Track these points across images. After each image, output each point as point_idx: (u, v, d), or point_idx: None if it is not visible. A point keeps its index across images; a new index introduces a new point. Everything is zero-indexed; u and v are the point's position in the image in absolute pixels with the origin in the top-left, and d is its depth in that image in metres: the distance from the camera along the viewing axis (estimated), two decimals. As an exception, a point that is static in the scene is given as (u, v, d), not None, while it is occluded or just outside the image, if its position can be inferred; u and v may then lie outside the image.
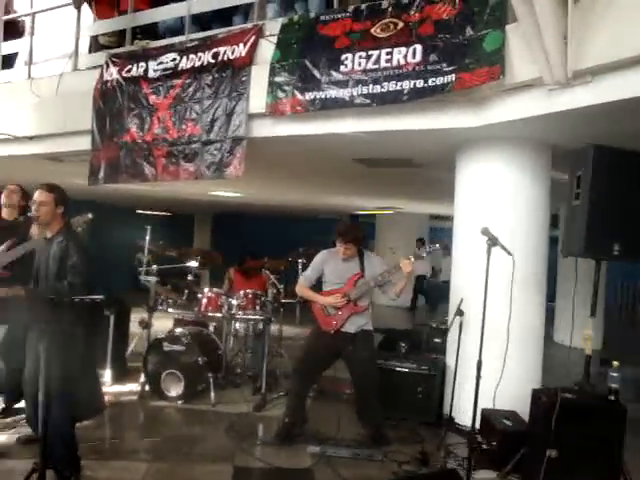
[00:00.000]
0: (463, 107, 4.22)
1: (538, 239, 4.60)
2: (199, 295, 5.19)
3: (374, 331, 4.26)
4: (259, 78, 4.88)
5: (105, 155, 5.68)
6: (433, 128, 4.32)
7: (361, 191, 8.86)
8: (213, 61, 5.15)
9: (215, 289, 5.19)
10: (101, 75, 5.82)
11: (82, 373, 3.35)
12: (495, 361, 4.56)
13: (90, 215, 4.12)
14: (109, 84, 5.72)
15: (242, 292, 5.14)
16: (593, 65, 3.35)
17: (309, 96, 4.62)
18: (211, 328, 5.36)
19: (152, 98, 5.41)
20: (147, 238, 5.65)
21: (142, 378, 4.92)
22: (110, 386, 5.10)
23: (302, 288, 4.11)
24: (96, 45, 6.39)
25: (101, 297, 2.89)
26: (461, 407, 4.47)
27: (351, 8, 4.72)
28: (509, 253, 3.58)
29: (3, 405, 4.36)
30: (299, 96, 4.66)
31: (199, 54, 5.24)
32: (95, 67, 6.13)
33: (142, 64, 5.57)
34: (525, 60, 3.73)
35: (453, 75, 4.05)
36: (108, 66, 5.81)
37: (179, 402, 4.75)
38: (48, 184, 3.45)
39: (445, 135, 4.53)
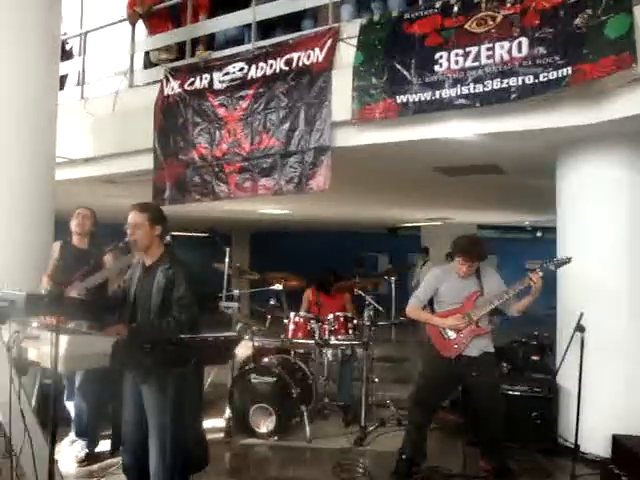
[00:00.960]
0: (577, 103, 3.88)
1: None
2: (285, 320, 4.85)
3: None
4: (340, 83, 4.60)
5: (170, 174, 5.43)
6: (545, 128, 3.99)
7: (423, 202, 8.51)
8: (287, 68, 4.88)
9: (302, 313, 4.84)
10: (161, 90, 5.59)
11: (193, 419, 3.05)
12: (619, 381, 4.22)
13: (169, 238, 3.83)
14: (171, 99, 5.49)
15: (332, 315, 4.80)
16: None
17: (401, 99, 4.33)
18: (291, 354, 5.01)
19: (220, 111, 5.16)
20: (226, 260, 5.35)
21: (227, 413, 4.59)
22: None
23: (415, 310, 3.78)
24: (149, 64, 6.19)
25: (233, 335, 2.55)
26: (584, 432, 4.07)
27: (438, 4, 4.43)
28: None
29: (86, 450, 4.05)
30: (390, 100, 4.38)
31: (270, 62, 4.99)
32: (151, 83, 5.91)
33: (206, 76, 5.34)
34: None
35: (569, 68, 3.74)
36: (168, 80, 5.58)
37: (271, 439, 4.40)
38: (140, 203, 3.19)
39: (550, 136, 4.20)
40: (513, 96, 3.93)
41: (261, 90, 4.98)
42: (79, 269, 3.75)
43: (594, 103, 3.83)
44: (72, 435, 4.18)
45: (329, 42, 4.76)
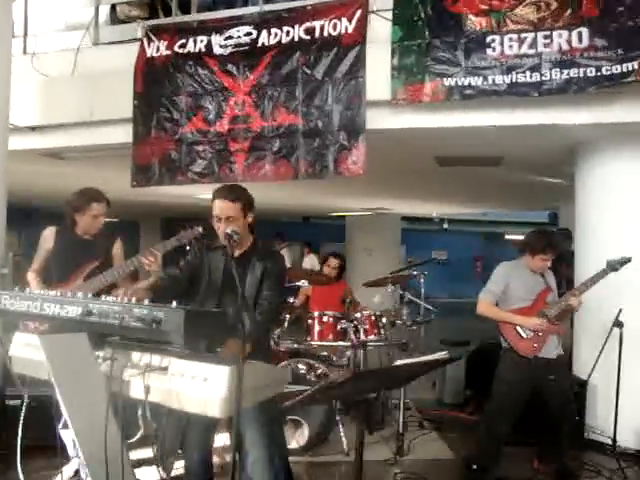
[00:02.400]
0: (633, 99, 3.88)
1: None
2: (309, 321, 4.36)
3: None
4: (373, 59, 4.22)
5: (156, 150, 4.71)
6: (601, 122, 3.95)
7: (368, 192, 8.27)
8: (308, 37, 4.40)
9: (331, 312, 4.37)
10: (142, 51, 4.81)
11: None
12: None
13: (201, 229, 3.25)
14: (157, 62, 4.74)
15: (360, 314, 4.38)
16: None
17: (449, 82, 4.08)
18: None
19: (225, 80, 4.55)
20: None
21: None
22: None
23: (489, 306, 3.55)
24: (117, 21, 5.32)
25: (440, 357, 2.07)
26: (618, 427, 4.13)
27: (483, -17, 4.20)
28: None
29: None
30: (437, 82, 4.09)
31: (285, 28, 4.47)
32: (121, 42, 5.07)
33: (202, 38, 4.67)
34: None
35: (635, 62, 3.71)
36: (151, 40, 4.79)
37: (305, 455, 3.94)
38: (227, 190, 2.67)
39: (582, 131, 4.20)
40: (575, 88, 3.85)
41: (277, 59, 4.44)
42: (81, 264, 3.11)
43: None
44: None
45: (358, 13, 4.35)
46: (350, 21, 4.34)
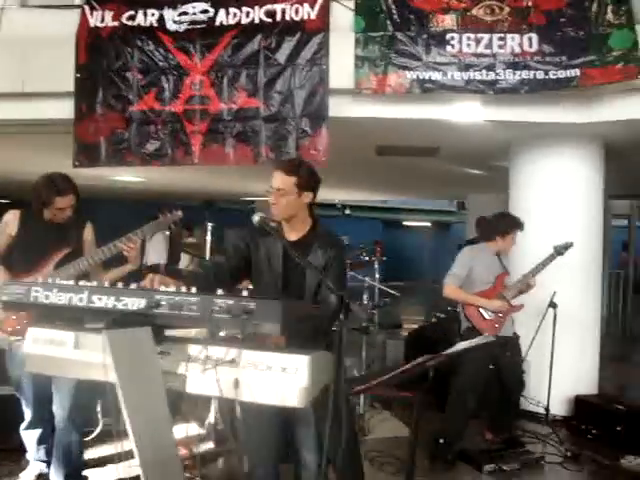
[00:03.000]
0: (572, 101, 4.29)
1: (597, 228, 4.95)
2: None
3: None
4: (336, 48, 4.28)
5: (102, 128, 4.43)
6: (544, 121, 4.32)
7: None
8: (269, 20, 4.35)
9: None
10: (84, 20, 4.47)
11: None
12: (575, 348, 4.79)
13: (180, 213, 3.19)
14: (102, 33, 4.44)
15: None
16: None
17: (411, 75, 4.22)
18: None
19: (181, 58, 4.37)
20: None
21: (211, 418, 3.98)
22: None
23: (455, 290, 3.77)
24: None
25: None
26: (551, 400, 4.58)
27: (440, -18, 4.40)
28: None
29: None
30: (397, 74, 4.22)
31: (245, 9, 4.39)
32: (57, 7, 4.67)
33: (153, 12, 4.45)
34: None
35: (577, 70, 4.11)
36: (93, 8, 4.47)
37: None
38: (288, 163, 2.54)
39: (522, 129, 4.57)
40: (525, 88, 4.16)
41: (238, 40, 4.34)
42: (50, 251, 2.89)
43: (588, 105, 4.26)
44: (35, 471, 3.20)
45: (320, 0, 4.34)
46: (312, 7, 4.34)
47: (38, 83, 4.43)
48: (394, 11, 4.32)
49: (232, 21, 4.38)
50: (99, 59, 4.41)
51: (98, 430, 3.65)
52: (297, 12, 4.35)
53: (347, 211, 17.26)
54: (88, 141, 4.42)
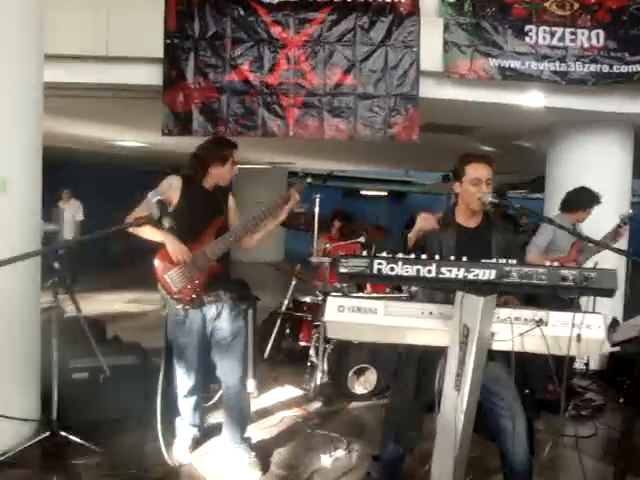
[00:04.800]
0: (623, 95, 4.89)
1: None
2: None
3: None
4: (425, 31, 4.59)
5: (194, 96, 4.51)
6: (599, 110, 4.90)
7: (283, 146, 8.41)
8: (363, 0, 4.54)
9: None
10: (172, -19, 4.44)
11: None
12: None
13: (309, 180, 3.49)
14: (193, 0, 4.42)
15: None
16: None
17: (493, 62, 4.65)
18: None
19: (276, 30, 4.50)
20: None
21: (317, 380, 4.30)
22: (257, 398, 4.26)
23: (538, 257, 4.23)
24: None
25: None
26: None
27: (519, -25, 4.81)
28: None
29: None
30: (482, 61, 4.63)
31: (338, -15, 4.54)
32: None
33: (245, -20, 4.48)
34: None
35: (638, 66, 4.69)
36: (182, -30, 4.46)
37: (374, 399, 4.35)
38: (482, 154, 2.83)
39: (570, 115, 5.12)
40: (593, 80, 4.71)
41: (333, 17, 4.53)
42: (211, 220, 3.07)
43: (629, 97, 4.88)
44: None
45: (410, -17, 4.62)
46: (402, -10, 4.59)
47: (123, 47, 4.40)
48: (479, 1, 4.68)
49: (325, -3, 4.55)
50: (190, 26, 4.44)
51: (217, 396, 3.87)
52: (388, -7, 4.59)
53: (309, 180, 17.50)
54: (179, 109, 4.46)
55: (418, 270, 2.05)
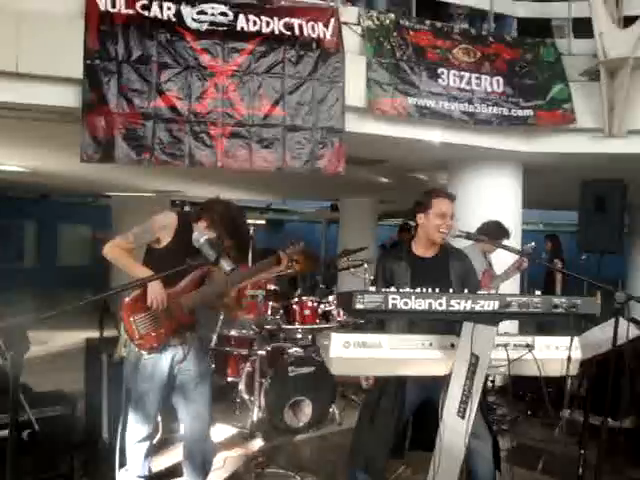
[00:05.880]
0: (520, 136, 5.53)
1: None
2: (294, 305, 4.65)
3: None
4: (350, 69, 4.84)
5: (117, 122, 4.27)
6: (499, 148, 5.46)
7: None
8: (289, 33, 4.71)
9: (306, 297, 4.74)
10: (93, 2, 4.25)
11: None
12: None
13: (302, 244, 3.46)
14: (116, 19, 4.28)
15: (332, 297, 4.88)
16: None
17: (411, 101, 5.01)
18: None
19: (205, 58, 4.47)
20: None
21: (254, 416, 4.21)
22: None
23: None
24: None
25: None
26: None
27: (427, 22, 5.28)
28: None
29: None
30: (400, 98, 4.97)
31: (264, 18, 4.66)
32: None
33: (169, 5, 4.43)
34: (583, 113, 5.36)
35: (531, 111, 5.34)
36: (103, -10, 4.30)
37: (309, 431, 4.35)
38: (445, 189, 3.04)
39: (466, 151, 5.67)
40: (497, 121, 5.25)
41: (262, 48, 4.60)
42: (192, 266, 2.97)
43: (531, 138, 5.53)
44: None
45: (332, 21, 4.87)
46: (326, 27, 4.81)
47: (35, 64, 4.08)
48: (396, 42, 5.03)
49: (253, 28, 4.60)
50: (114, 47, 4.23)
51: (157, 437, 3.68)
52: (313, 29, 4.77)
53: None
54: (100, 134, 4.21)
55: (430, 304, 2.16)
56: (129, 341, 2.84)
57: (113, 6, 4.26)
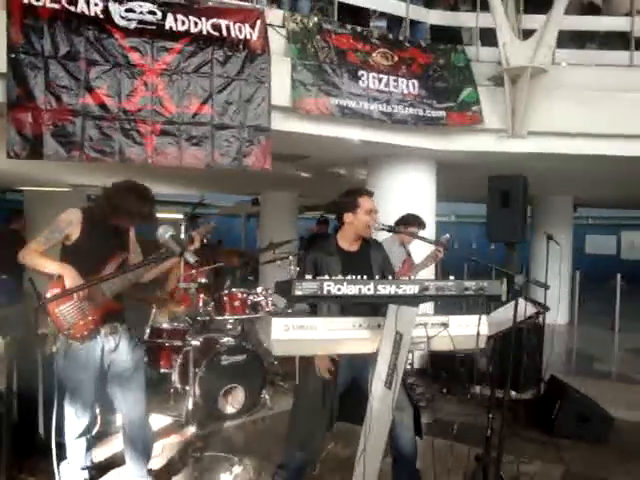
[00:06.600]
0: (434, 135, 6.01)
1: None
2: (224, 297, 4.86)
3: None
4: (275, 70, 5.10)
5: (45, 119, 4.31)
6: (414, 146, 5.92)
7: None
8: (217, 34, 4.90)
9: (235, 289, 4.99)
10: (15, -7, 4.25)
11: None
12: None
13: (213, 224, 3.79)
14: (42, 13, 4.30)
15: (260, 288, 5.12)
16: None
17: (333, 101, 5.34)
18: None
19: (134, 57, 4.58)
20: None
21: (188, 405, 4.40)
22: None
23: None
24: None
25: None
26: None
27: (349, 27, 5.63)
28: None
29: None
30: (324, 99, 5.29)
31: (192, 18, 4.83)
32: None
33: (96, 1, 4.50)
34: (490, 114, 5.93)
35: (443, 112, 5.83)
36: (26, -16, 4.31)
37: (245, 417, 4.59)
38: (371, 191, 3.35)
39: (381, 149, 6.10)
40: (412, 121, 5.69)
41: (190, 48, 4.76)
42: (110, 255, 3.18)
43: (445, 138, 6.02)
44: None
45: (258, 23, 5.10)
46: (253, 28, 5.04)
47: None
48: (319, 44, 5.34)
49: (181, 28, 4.74)
50: (39, 42, 4.24)
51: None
52: (240, 31, 4.98)
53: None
54: (27, 130, 4.22)
55: (360, 289, 2.47)
56: (58, 334, 2.97)
57: (40, 0, 4.27)
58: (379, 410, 2.65)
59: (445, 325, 2.73)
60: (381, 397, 2.65)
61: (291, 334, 2.54)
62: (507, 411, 3.44)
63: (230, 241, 16.42)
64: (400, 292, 2.52)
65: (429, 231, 6.31)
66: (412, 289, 2.53)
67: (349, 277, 2.52)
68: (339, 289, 2.45)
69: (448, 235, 5.49)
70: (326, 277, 2.48)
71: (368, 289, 2.48)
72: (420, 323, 2.68)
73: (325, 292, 2.44)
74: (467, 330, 2.78)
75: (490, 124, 5.95)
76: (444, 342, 2.72)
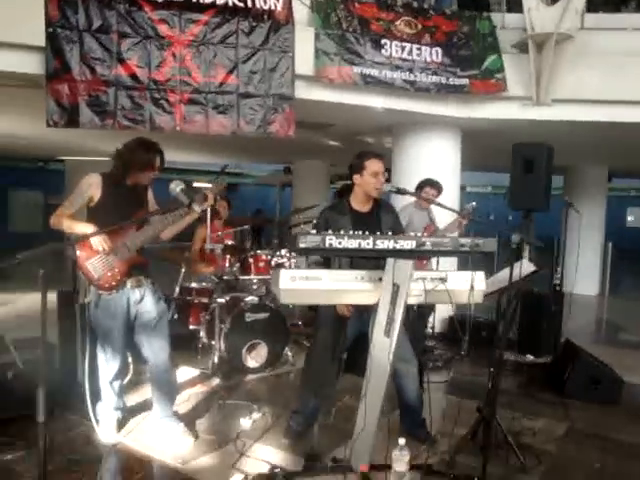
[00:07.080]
0: (458, 103, 6.09)
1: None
2: (250, 258, 5.18)
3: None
4: (299, 39, 5.26)
5: (80, 89, 4.61)
6: (437, 114, 6.02)
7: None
8: (242, 5, 5.08)
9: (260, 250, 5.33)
10: (53, -30, 4.53)
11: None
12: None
13: (225, 183, 3.99)
14: (77, -10, 4.56)
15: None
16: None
17: (356, 70, 5.49)
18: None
19: (163, 29, 4.82)
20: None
21: (214, 358, 4.74)
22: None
23: None
24: None
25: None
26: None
27: (372, -6, 5.73)
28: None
29: None
30: (347, 67, 5.43)
31: (219, -10, 5.01)
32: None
33: (127, -24, 4.73)
34: (515, 82, 5.96)
35: (467, 80, 5.90)
36: (62, -40, 4.57)
37: (267, 371, 4.93)
38: (380, 153, 3.54)
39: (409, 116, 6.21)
40: (435, 89, 5.78)
41: (217, 20, 4.96)
42: (131, 213, 3.40)
43: (469, 105, 6.10)
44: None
45: (283, -7, 5.25)
46: (278, 0, 5.20)
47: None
48: (343, 14, 5.47)
49: (208, 0, 4.95)
50: (74, 17, 4.53)
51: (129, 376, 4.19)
52: (265, 1, 5.15)
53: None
54: (64, 101, 4.54)
55: (359, 243, 2.70)
56: (89, 285, 3.30)
57: (75, -24, 4.54)
58: (378, 357, 2.88)
59: (443, 280, 2.93)
60: (380, 345, 2.88)
61: (297, 284, 2.79)
62: (522, 373, 3.57)
63: (266, 210, 16.77)
64: (398, 247, 2.73)
65: (453, 199, 6.46)
66: (409, 244, 2.74)
67: (350, 232, 2.75)
68: (340, 243, 2.68)
69: (474, 203, 5.55)
70: (329, 232, 2.71)
71: (367, 243, 2.70)
72: (419, 277, 2.90)
73: (327, 245, 2.67)
74: (464, 285, 2.98)
75: (514, 92, 5.99)
76: (442, 296, 2.93)
